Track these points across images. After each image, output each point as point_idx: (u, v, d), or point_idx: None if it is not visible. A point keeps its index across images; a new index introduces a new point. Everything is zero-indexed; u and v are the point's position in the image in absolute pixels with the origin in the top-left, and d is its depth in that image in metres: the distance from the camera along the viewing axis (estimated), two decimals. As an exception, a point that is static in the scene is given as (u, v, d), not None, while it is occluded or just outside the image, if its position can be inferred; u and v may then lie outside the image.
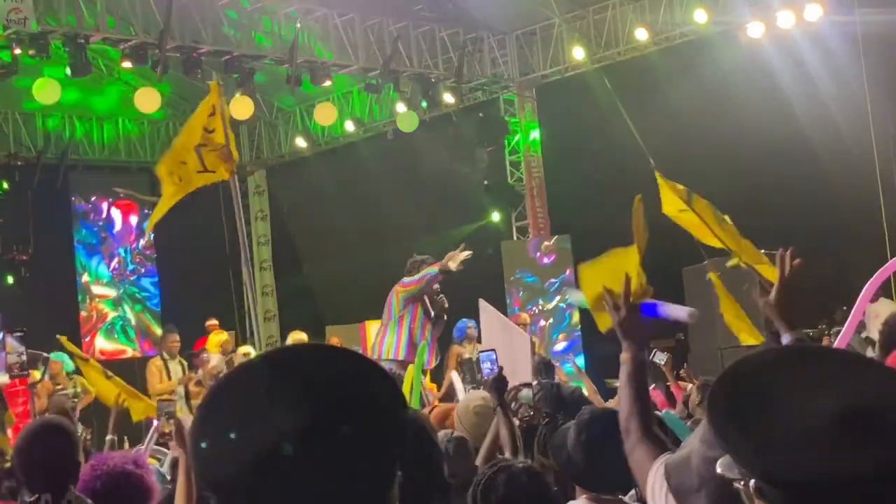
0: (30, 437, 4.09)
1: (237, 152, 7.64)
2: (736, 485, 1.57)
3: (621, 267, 3.20)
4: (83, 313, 18.93)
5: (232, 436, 1.42)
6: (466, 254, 10.08)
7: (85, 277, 19.13)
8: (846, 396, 1.53)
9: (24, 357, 11.59)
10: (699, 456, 2.32)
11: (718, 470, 1.61)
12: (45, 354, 12.70)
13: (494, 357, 11.29)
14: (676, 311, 3.32)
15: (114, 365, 17.25)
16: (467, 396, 6.43)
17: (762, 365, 1.66)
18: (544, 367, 8.20)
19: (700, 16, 15.03)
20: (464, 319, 13.75)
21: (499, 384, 5.43)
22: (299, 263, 19.58)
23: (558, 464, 4.01)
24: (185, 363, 13.51)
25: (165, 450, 6.20)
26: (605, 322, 3.27)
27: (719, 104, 14.60)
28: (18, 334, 11.67)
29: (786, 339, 3.26)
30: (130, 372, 14.72)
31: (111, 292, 19.31)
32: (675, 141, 15.09)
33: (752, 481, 1.53)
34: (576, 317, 16.47)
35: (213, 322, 15.18)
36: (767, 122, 14.46)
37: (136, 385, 12.94)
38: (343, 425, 1.42)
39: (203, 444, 1.45)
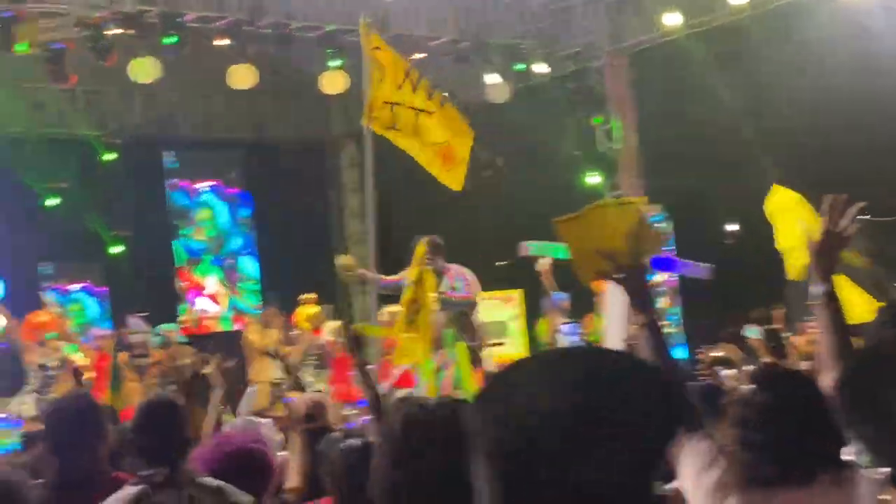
0: (144, 413, 4.18)
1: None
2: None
3: (614, 224, 3.03)
4: (182, 285, 19.26)
5: (510, 409, 1.44)
6: None
7: (183, 251, 19.45)
8: None
9: (148, 337, 11.90)
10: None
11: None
12: (157, 331, 13.02)
13: (577, 329, 11.26)
14: (693, 269, 3.22)
15: (210, 338, 17.62)
16: None
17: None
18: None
19: (796, -21, 14.67)
20: (560, 293, 13.74)
21: None
22: (392, 234, 19.65)
23: None
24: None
25: (259, 419, 6.27)
26: (588, 275, 3.14)
27: (817, 71, 14.28)
28: (142, 315, 11.99)
29: (814, 289, 3.11)
30: (229, 344, 14.98)
31: (209, 265, 19.61)
32: (772, 109, 14.84)
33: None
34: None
35: (309, 296, 15.30)
36: (868, 90, 14.09)
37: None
38: (619, 412, 1.43)
39: (490, 416, 1.47)
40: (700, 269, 3.11)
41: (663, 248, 2.76)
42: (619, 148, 17.44)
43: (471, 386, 7.73)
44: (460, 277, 10.80)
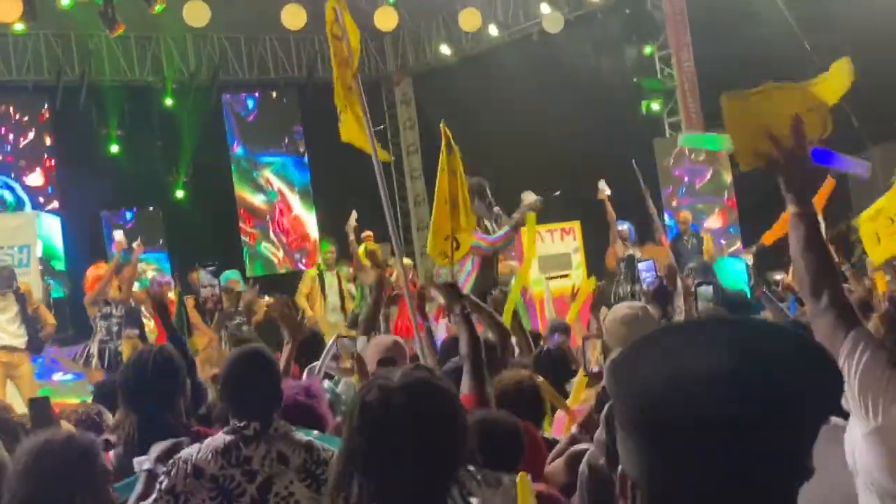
0: (235, 365, 4.10)
1: (358, 51, 6.85)
2: None
3: (785, 106, 2.83)
4: (242, 226, 19.37)
5: (662, 368, 1.42)
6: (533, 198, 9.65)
7: (240, 192, 19.53)
8: None
9: (217, 290, 11.88)
10: None
11: None
12: (219, 281, 13.05)
13: (654, 266, 11.10)
14: (852, 165, 3.02)
15: (269, 278, 17.75)
16: (615, 307, 6.16)
17: None
18: (703, 270, 7.99)
19: None
20: (622, 221, 13.68)
21: (661, 295, 5.15)
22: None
23: None
24: (343, 274, 13.61)
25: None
26: (747, 159, 2.93)
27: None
28: (210, 267, 11.95)
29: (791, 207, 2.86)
30: (286, 285, 15.05)
31: (265, 206, 19.69)
32: (834, 29, 14.45)
33: None
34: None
35: (368, 233, 15.30)
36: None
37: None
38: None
39: (633, 372, 1.45)
40: (860, 166, 2.88)
41: (824, 137, 2.55)
42: (676, 73, 17.18)
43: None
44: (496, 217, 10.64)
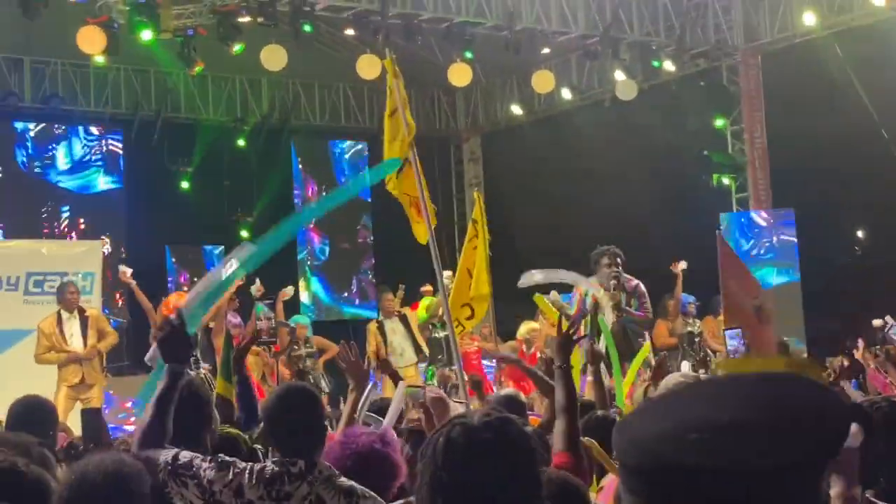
0: (281, 402, 4.10)
1: (412, 124, 7.12)
2: None
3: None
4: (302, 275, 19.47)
5: (664, 416, 1.42)
6: None
7: (303, 238, 19.65)
8: None
9: (273, 323, 12.03)
10: None
11: None
12: (291, 324, 13.19)
13: (740, 335, 10.96)
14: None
15: (331, 326, 17.78)
16: (668, 377, 6.13)
17: None
18: (781, 349, 7.87)
19: (943, -20, 14.14)
20: (688, 295, 13.49)
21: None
22: (511, 232, 19.58)
23: None
24: (406, 314, 13.68)
25: (379, 417, 6.18)
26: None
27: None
28: (268, 301, 12.10)
29: None
30: (346, 334, 15.06)
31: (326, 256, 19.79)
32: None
33: None
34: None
35: (428, 287, 15.31)
36: None
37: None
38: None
39: (643, 419, 1.46)
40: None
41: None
42: (748, 149, 17.07)
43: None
44: (638, 295, 10.75)
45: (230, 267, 4.10)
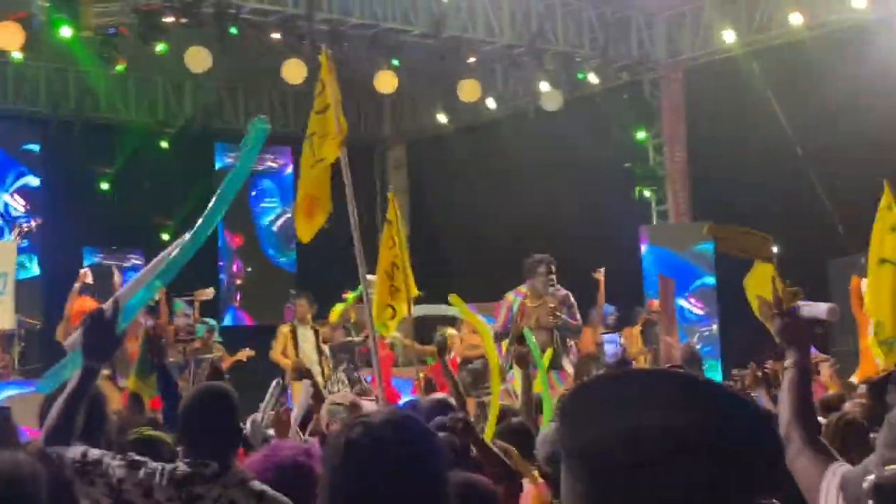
0: (197, 402, 4.05)
1: (344, 123, 6.98)
2: None
3: (765, 277, 3.25)
4: (224, 277, 19.29)
5: (614, 415, 1.45)
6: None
7: (226, 243, 19.49)
8: None
9: (191, 320, 11.91)
10: (878, 460, 2.20)
11: None
12: (211, 322, 13.06)
13: (618, 338, 11.15)
14: (814, 309, 3.19)
15: (248, 330, 17.66)
16: None
17: None
18: (691, 357, 7.94)
19: (859, 1, 14.44)
20: (609, 306, 13.62)
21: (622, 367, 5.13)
22: (437, 239, 19.61)
23: None
24: (319, 330, 13.56)
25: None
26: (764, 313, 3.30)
27: (877, 96, 14.03)
28: (187, 298, 11.97)
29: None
30: (262, 338, 14.95)
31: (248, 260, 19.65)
32: (828, 133, 14.59)
33: None
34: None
35: (350, 293, 15.25)
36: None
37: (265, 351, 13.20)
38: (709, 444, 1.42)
39: (581, 415, 1.48)
40: (820, 309, 3.09)
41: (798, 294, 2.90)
42: (668, 162, 17.30)
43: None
44: (568, 305, 10.82)
45: (174, 251, 3.95)
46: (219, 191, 3.99)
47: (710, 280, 16.15)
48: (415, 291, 8.57)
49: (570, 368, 10.57)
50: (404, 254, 8.38)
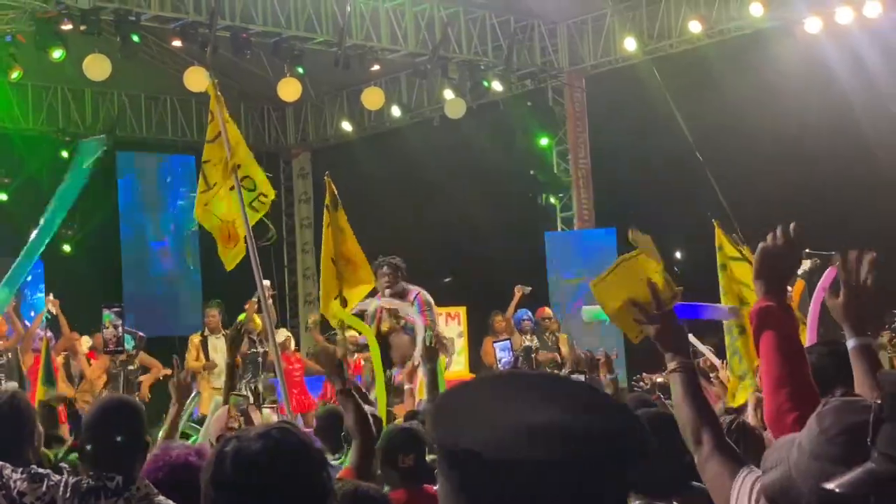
0: (102, 415, 3.97)
1: (236, 143, 7.04)
2: None
3: (638, 275, 3.04)
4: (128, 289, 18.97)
5: (494, 415, 1.46)
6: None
7: (130, 254, 19.16)
8: None
9: (120, 331, 11.67)
10: (812, 475, 2.12)
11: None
12: (139, 333, 12.85)
13: (510, 346, 11.17)
14: (717, 311, 3.21)
15: (155, 341, 17.38)
16: None
17: None
18: (588, 363, 8.01)
19: (756, 9, 14.78)
20: (523, 311, 13.58)
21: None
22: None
23: None
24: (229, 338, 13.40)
25: (198, 427, 6.12)
26: (634, 332, 3.10)
27: (774, 101, 14.36)
28: (115, 309, 11.72)
29: (851, 343, 3.18)
30: (170, 347, 14.75)
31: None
32: (727, 137, 14.89)
33: None
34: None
35: (252, 302, 15.11)
36: (824, 121, 14.21)
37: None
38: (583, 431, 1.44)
39: (459, 418, 1.49)
40: (726, 311, 3.09)
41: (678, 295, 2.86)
42: (572, 168, 17.48)
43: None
44: (419, 304, 10.71)
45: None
46: (50, 205, 3.94)
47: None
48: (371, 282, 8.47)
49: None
50: (353, 239, 8.25)
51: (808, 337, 6.18)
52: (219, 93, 7.26)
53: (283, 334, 13.85)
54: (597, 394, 1.55)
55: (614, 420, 1.48)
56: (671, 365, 2.88)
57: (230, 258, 7.25)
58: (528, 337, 13.65)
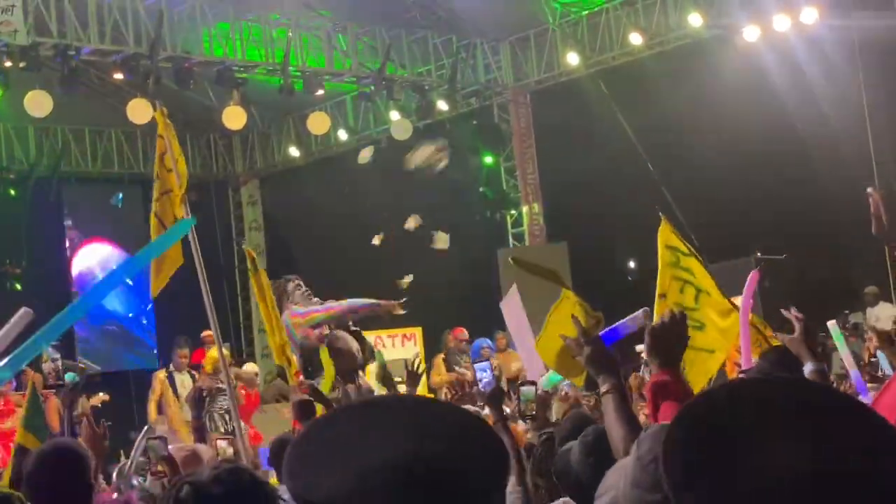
0: (42, 462, 3.92)
1: (184, 179, 7.18)
2: None
3: (566, 315, 3.29)
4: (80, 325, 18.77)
5: (340, 460, 1.44)
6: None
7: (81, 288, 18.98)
8: (819, 453, 1.36)
9: (59, 364, 11.51)
10: (633, 502, 2.15)
11: None
12: (80, 364, 12.69)
13: (489, 367, 11.07)
14: (629, 324, 3.30)
15: (110, 377, 17.21)
16: None
17: (723, 405, 1.45)
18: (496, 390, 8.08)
19: (695, 20, 14.95)
20: (480, 339, 13.29)
21: (495, 398, 4.96)
22: (293, 273, 19.42)
23: (566, 488, 3.80)
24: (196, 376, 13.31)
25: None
26: (575, 371, 3.30)
27: (715, 108, 14.51)
28: (53, 343, 11.56)
29: (808, 367, 3.77)
30: (127, 384, 14.63)
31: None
32: (671, 145, 15.04)
33: None
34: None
35: (209, 333, 14.98)
36: (763, 127, 14.39)
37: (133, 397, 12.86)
38: (449, 461, 1.43)
39: (307, 467, 1.47)
40: (633, 324, 3.19)
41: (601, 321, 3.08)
42: (521, 184, 17.54)
43: None
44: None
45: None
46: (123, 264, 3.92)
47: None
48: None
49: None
50: (273, 304, 8.26)
51: (742, 345, 6.12)
52: (167, 120, 7.28)
53: (252, 368, 13.82)
54: (462, 421, 1.52)
55: (458, 451, 1.45)
56: (603, 388, 3.04)
57: (155, 285, 7.33)
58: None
